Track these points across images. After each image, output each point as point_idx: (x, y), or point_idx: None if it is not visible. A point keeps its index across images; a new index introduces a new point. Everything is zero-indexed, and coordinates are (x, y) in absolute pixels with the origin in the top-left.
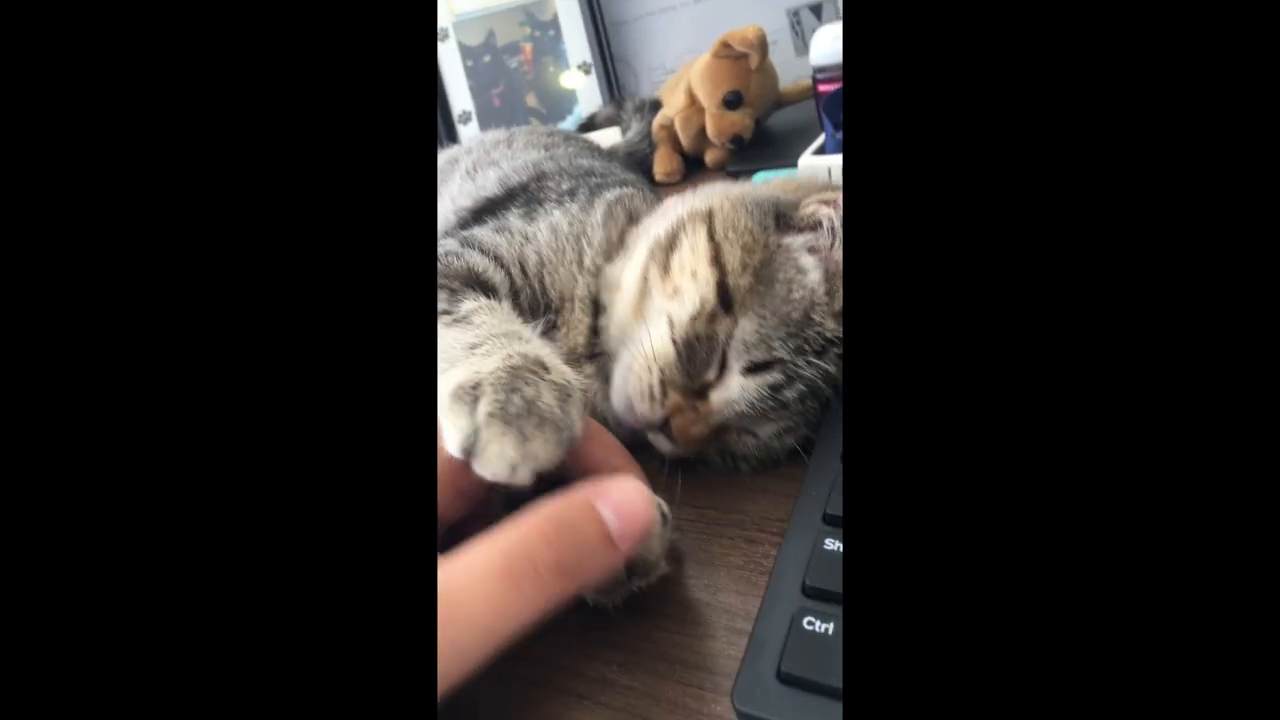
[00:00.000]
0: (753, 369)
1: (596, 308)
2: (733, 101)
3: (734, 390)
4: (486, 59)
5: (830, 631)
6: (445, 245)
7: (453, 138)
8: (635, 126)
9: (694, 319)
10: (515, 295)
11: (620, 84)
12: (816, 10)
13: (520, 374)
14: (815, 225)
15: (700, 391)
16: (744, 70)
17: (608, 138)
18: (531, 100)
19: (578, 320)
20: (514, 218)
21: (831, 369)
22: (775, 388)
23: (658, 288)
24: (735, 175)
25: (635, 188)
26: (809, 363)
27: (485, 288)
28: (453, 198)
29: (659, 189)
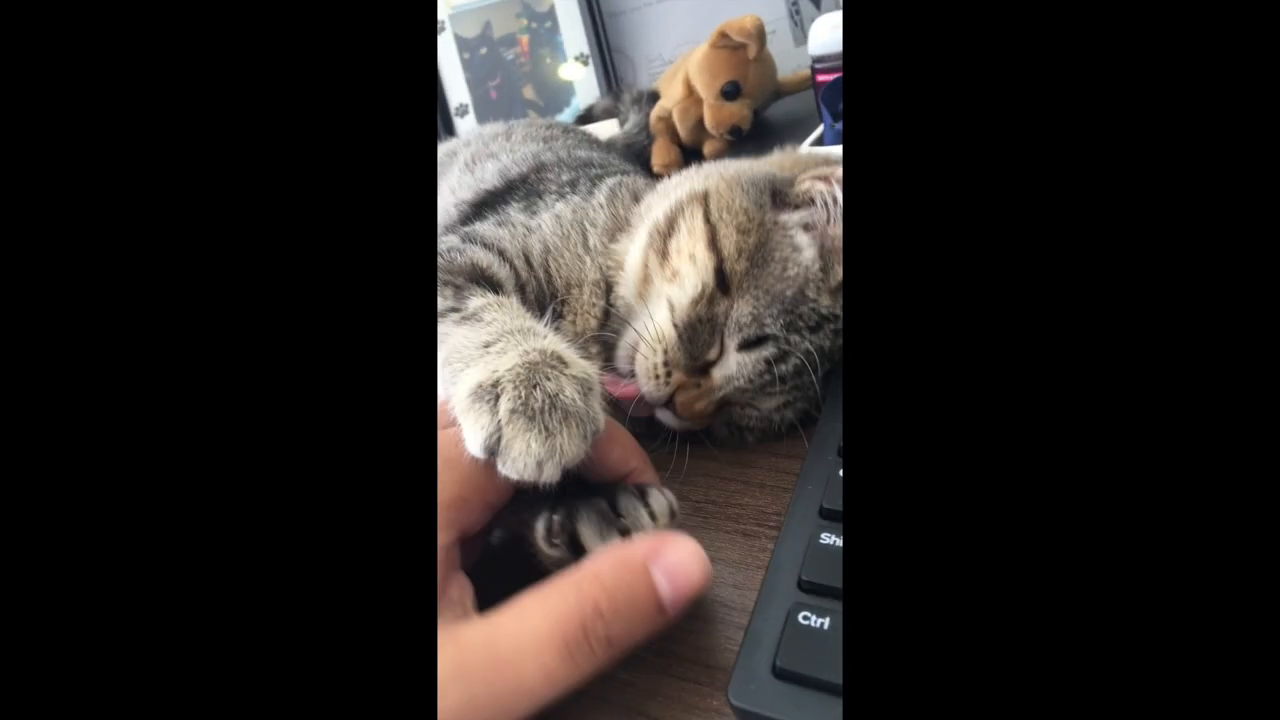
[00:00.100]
0: (746, 345)
1: (609, 290)
2: (731, 92)
3: (733, 366)
4: (483, 51)
5: (825, 626)
6: (447, 242)
7: (450, 131)
8: (633, 118)
9: (694, 303)
10: (521, 289)
11: (618, 75)
12: None
13: (539, 369)
14: (810, 201)
15: (703, 369)
16: (742, 60)
17: (606, 130)
18: (529, 92)
19: (589, 304)
20: (515, 210)
21: (826, 344)
22: (770, 362)
23: (658, 272)
24: None
25: (635, 176)
26: (803, 338)
27: (491, 283)
28: (452, 189)
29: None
